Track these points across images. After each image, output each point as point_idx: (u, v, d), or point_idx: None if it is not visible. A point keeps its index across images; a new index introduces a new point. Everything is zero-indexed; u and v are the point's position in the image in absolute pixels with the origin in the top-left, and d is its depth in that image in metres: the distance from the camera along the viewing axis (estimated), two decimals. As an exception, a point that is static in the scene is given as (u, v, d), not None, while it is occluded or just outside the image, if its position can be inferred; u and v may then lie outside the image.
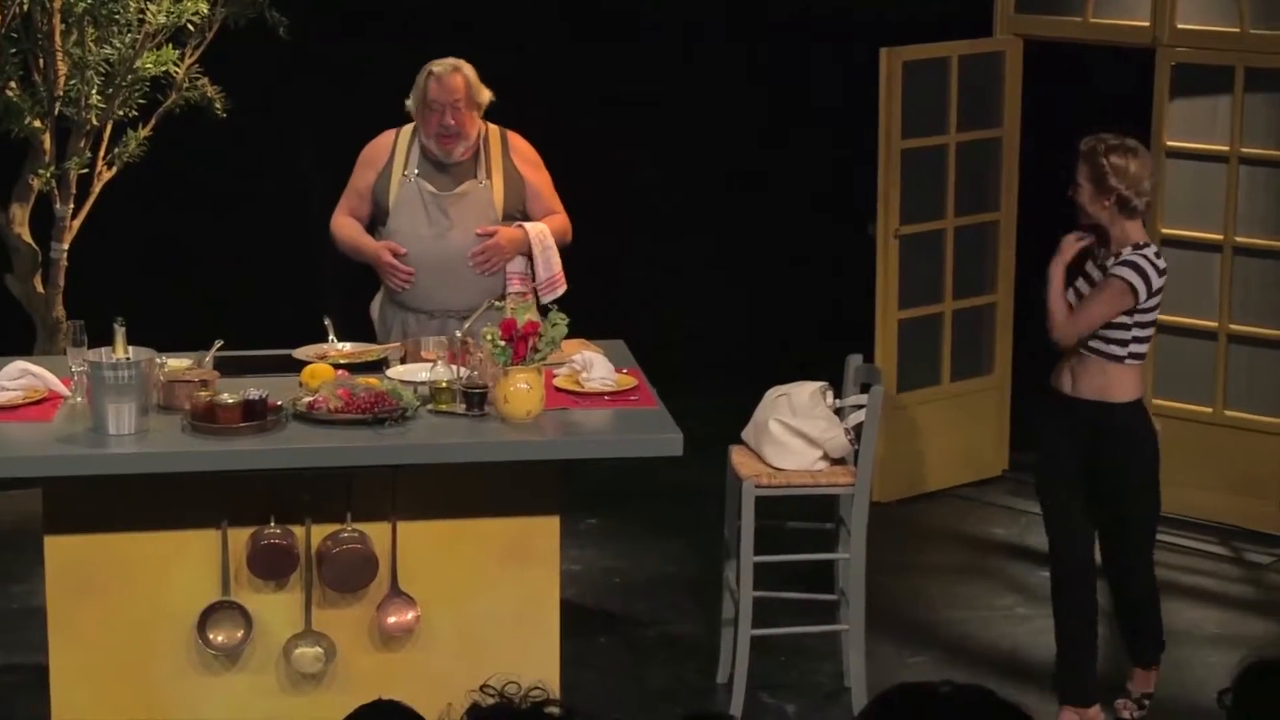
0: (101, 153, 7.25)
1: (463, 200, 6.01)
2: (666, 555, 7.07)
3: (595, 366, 5.42)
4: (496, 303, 5.45)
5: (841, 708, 5.81)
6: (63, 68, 7.02)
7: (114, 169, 7.28)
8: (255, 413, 4.99)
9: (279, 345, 5.70)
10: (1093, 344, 5.42)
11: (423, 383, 5.26)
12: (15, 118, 7.03)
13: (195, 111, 7.29)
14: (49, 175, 7.11)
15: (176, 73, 7.21)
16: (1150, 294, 5.36)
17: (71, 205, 7.28)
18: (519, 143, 6.11)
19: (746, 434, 5.82)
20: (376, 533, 5.13)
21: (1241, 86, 7.15)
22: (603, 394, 5.34)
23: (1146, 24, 7.34)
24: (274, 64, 7.71)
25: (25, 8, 6.99)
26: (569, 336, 5.26)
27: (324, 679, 5.19)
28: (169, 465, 4.92)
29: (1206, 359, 7.35)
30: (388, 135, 6.11)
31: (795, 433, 5.66)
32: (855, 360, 5.96)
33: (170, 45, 7.17)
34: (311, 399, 5.11)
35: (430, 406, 5.16)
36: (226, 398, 5.00)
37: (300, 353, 5.63)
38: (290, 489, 5.08)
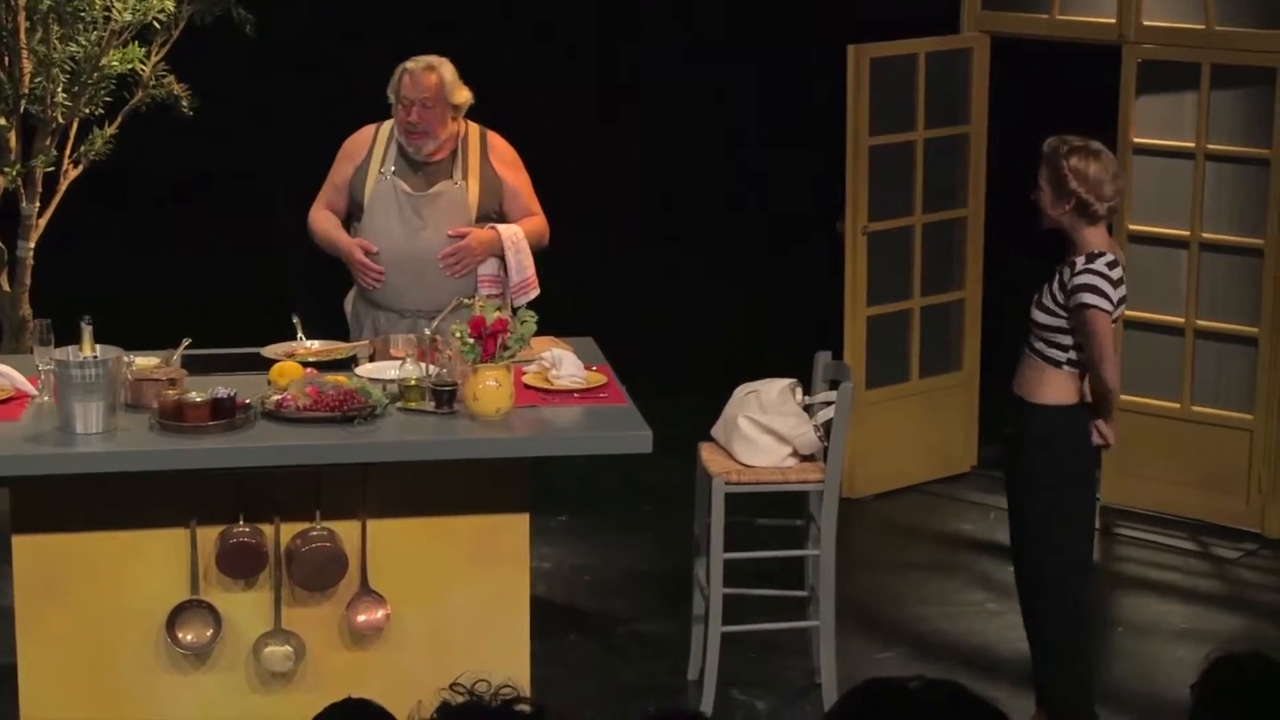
0: (68, 151, 7.22)
1: (437, 201, 6.00)
2: (637, 553, 7.07)
3: (564, 364, 5.41)
4: (465, 300, 5.44)
5: (812, 704, 5.81)
6: (28, 65, 6.99)
7: (80, 167, 7.25)
8: (224, 411, 4.97)
9: (247, 343, 5.68)
10: (1037, 345, 5.27)
11: (392, 380, 5.25)
12: (-20, 116, 7.00)
13: (161, 109, 7.26)
14: (15, 173, 7.07)
15: (143, 70, 7.18)
16: (1115, 306, 5.19)
17: (38, 204, 7.24)
18: (498, 143, 6.10)
19: (716, 431, 5.82)
20: (346, 531, 5.12)
21: (1208, 83, 7.18)
22: (572, 391, 5.34)
23: (1113, 21, 7.37)
24: (241, 61, 7.69)
25: (-10, 5, 6.96)
26: (538, 334, 5.26)
27: (294, 678, 5.18)
28: (137, 464, 4.90)
29: (1174, 355, 7.37)
30: (368, 130, 6.11)
31: (765, 429, 5.67)
32: (824, 357, 5.97)
33: (136, 43, 7.13)
34: (280, 397, 5.10)
35: (399, 404, 5.16)
36: (195, 396, 4.99)
37: (268, 351, 5.62)
38: (259, 487, 5.07)
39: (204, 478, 5.01)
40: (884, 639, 6.34)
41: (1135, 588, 6.85)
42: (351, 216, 6.11)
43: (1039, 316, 5.25)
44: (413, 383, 5.17)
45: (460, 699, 2.63)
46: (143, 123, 7.30)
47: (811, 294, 8.37)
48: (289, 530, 5.10)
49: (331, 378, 5.20)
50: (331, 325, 6.11)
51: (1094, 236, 5.23)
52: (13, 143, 7.15)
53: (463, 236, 5.97)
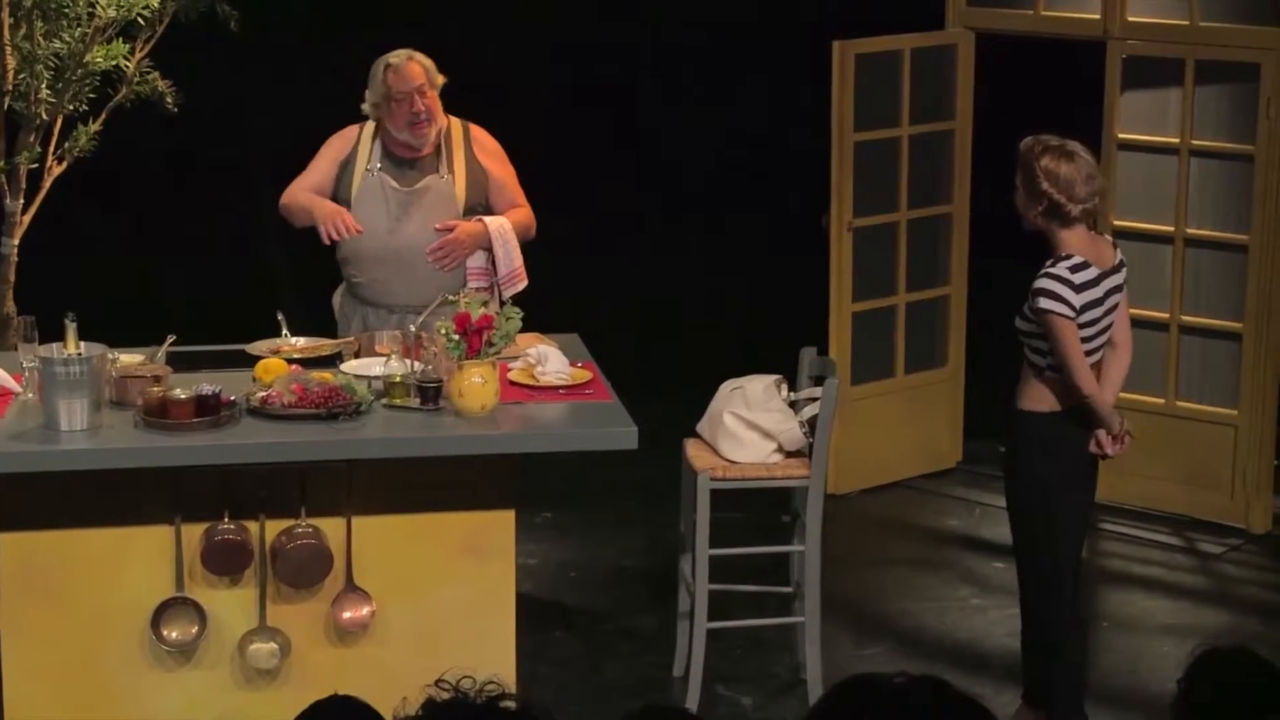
0: (51, 147, 7.19)
1: (424, 195, 5.99)
2: (622, 549, 7.07)
3: (550, 360, 5.41)
4: (450, 297, 5.44)
5: (798, 699, 5.82)
6: (12, 61, 6.97)
7: (64, 163, 7.23)
8: (208, 408, 4.97)
9: (232, 340, 5.67)
10: (1025, 351, 5.25)
11: (377, 377, 5.25)
12: (-36, 113, 6.98)
13: (146, 105, 7.25)
14: (-2, 170, 7.05)
15: (127, 67, 7.16)
16: (1077, 310, 5.08)
17: (22, 200, 7.22)
18: (481, 135, 6.09)
19: (701, 427, 5.82)
20: (331, 528, 5.12)
21: (1192, 79, 7.19)
22: (558, 387, 5.34)
23: (1097, 17, 7.38)
24: (225, 58, 7.68)
25: (-27, 2, 6.94)
26: (523, 330, 5.25)
27: (279, 675, 5.17)
28: (122, 461, 4.89)
29: (1159, 350, 7.38)
30: (352, 129, 6.09)
31: (750, 425, 5.67)
32: (809, 353, 5.97)
33: (120, 39, 7.12)
34: (265, 394, 5.09)
35: (385, 401, 5.15)
36: (179, 393, 4.98)
37: (253, 348, 5.61)
38: (244, 484, 5.06)
39: (188, 475, 5.00)
40: (869, 635, 6.35)
41: (1120, 583, 6.86)
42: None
43: (1019, 322, 5.23)
44: (398, 379, 5.17)
45: (446, 695, 2.63)
46: (127, 119, 7.29)
47: (811, 293, 8.37)
48: (274, 527, 5.10)
49: (316, 374, 5.19)
50: (316, 322, 6.10)
51: (1069, 238, 5.15)
52: (-4, 139, 7.14)
53: (450, 230, 5.96)
